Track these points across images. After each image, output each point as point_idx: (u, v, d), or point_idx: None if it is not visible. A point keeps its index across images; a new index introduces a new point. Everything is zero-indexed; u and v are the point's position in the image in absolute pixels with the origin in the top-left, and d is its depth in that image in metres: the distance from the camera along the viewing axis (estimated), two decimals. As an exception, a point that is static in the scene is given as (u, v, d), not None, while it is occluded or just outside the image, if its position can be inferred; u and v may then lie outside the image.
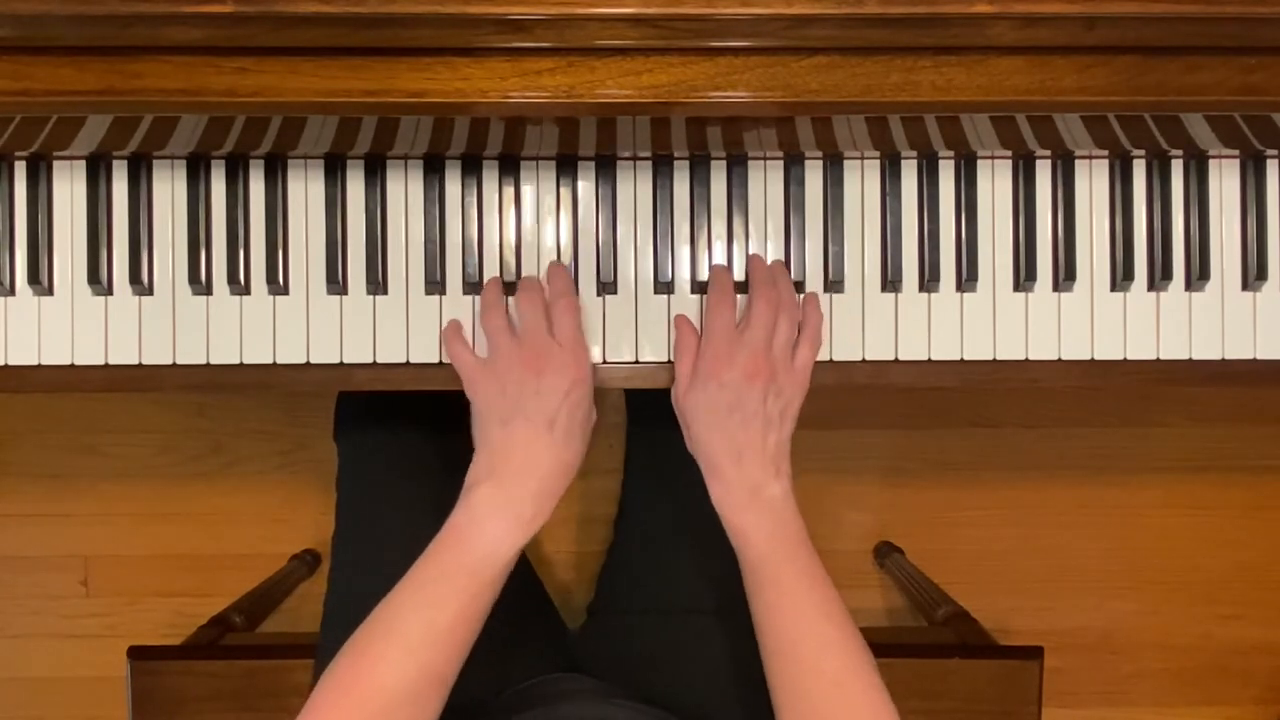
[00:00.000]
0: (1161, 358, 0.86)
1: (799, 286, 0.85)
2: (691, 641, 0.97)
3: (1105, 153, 0.85)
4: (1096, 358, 0.86)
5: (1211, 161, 0.85)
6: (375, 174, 0.84)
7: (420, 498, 1.02)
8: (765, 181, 0.86)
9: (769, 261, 0.84)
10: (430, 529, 1.01)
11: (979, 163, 0.85)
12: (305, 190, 0.85)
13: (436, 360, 0.85)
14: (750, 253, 0.85)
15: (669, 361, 0.85)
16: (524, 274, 0.85)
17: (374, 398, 1.05)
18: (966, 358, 0.86)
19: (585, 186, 0.86)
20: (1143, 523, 1.67)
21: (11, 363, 0.84)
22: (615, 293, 0.85)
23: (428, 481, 1.03)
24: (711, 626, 0.97)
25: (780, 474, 0.80)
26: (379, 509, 1.01)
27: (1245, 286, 0.86)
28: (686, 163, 0.85)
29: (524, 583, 1.09)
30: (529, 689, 0.95)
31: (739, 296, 0.83)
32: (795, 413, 0.82)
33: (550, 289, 0.82)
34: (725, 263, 0.85)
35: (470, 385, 0.80)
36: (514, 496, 0.77)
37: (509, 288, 0.84)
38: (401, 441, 1.04)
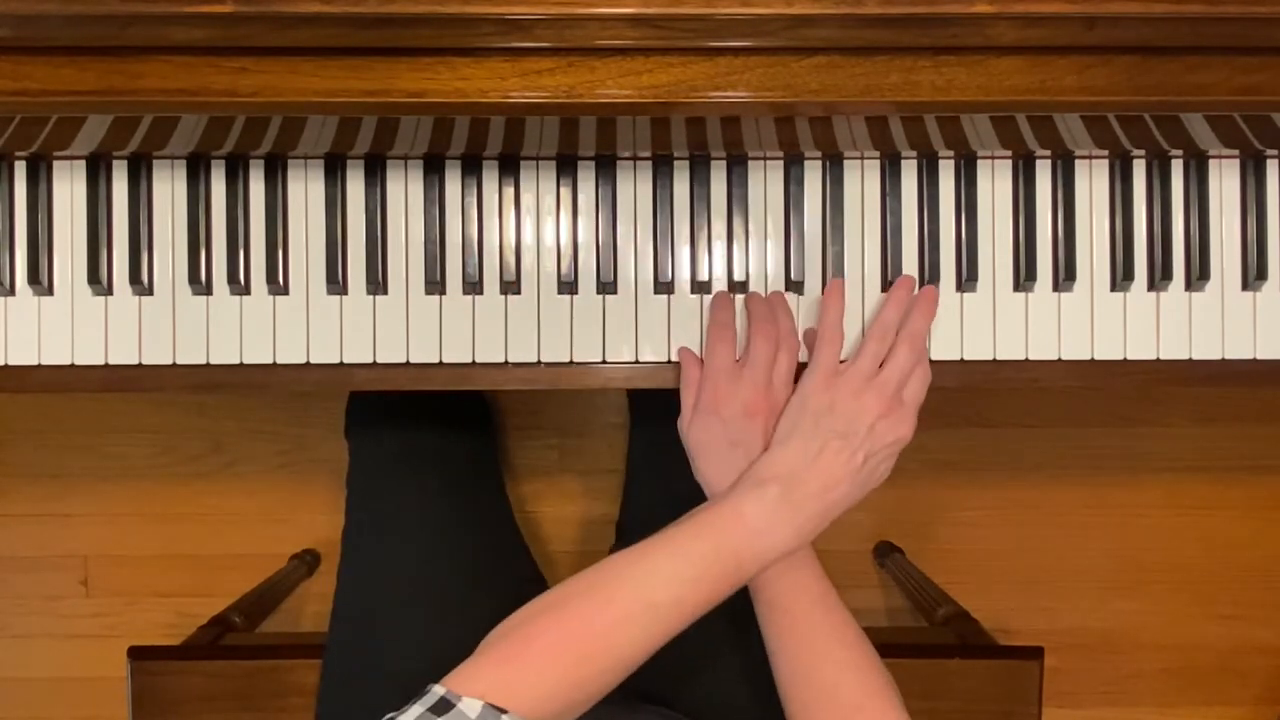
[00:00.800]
0: (1161, 358, 0.86)
1: (799, 287, 0.85)
2: (695, 642, 0.97)
3: (1105, 153, 0.85)
4: (1096, 358, 0.86)
5: (1211, 161, 0.85)
6: (375, 174, 0.84)
7: (431, 494, 1.03)
8: (765, 181, 0.86)
9: (768, 294, 0.85)
10: (441, 526, 1.02)
11: (979, 163, 0.85)
12: (305, 190, 0.85)
13: (437, 360, 0.85)
14: (749, 294, 0.85)
15: (669, 361, 0.85)
16: (523, 274, 0.85)
17: (385, 396, 1.05)
18: (966, 358, 0.86)
19: (585, 186, 0.86)
20: (1143, 523, 1.67)
21: (11, 363, 0.84)
22: (615, 293, 0.85)
23: (438, 478, 1.04)
24: (713, 626, 0.97)
25: None
26: (390, 506, 1.01)
27: (1245, 286, 0.86)
28: (686, 163, 0.85)
29: (529, 581, 1.09)
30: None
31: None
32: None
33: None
34: (725, 264, 0.85)
35: (819, 392, 0.79)
36: (802, 507, 0.76)
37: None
38: (412, 439, 1.04)
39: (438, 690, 0.62)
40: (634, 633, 0.70)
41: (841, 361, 0.81)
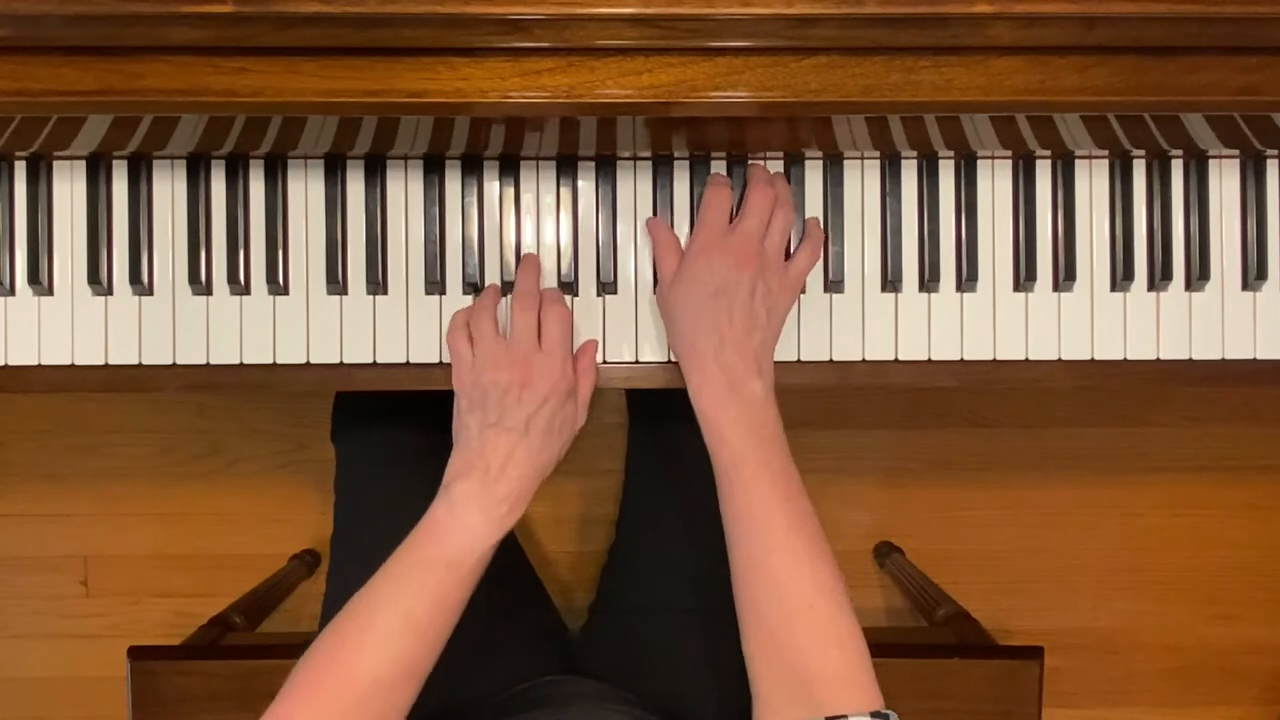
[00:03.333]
0: (1161, 358, 0.86)
1: (799, 286, 0.85)
2: (694, 641, 0.97)
3: (1105, 153, 0.85)
4: (1096, 358, 0.86)
5: (1211, 161, 0.85)
6: (375, 174, 0.84)
7: (419, 498, 1.02)
8: (765, 181, 0.85)
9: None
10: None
11: (979, 163, 0.85)
12: (305, 190, 0.85)
13: (437, 360, 0.85)
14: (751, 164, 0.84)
15: (669, 361, 0.85)
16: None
17: (371, 398, 1.05)
18: (966, 358, 0.86)
19: (585, 186, 0.86)
20: (1143, 523, 1.67)
21: (11, 363, 0.84)
22: (615, 293, 0.85)
23: (426, 481, 1.03)
24: (714, 626, 0.97)
25: (762, 373, 0.78)
26: (377, 510, 1.01)
27: (1245, 286, 0.86)
28: (686, 163, 0.85)
29: (524, 583, 1.09)
30: (528, 691, 0.95)
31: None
32: (783, 316, 0.81)
33: (544, 298, 0.82)
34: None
35: (458, 381, 0.81)
36: (492, 494, 0.77)
37: (508, 289, 0.84)
38: (399, 441, 1.04)
39: None
40: (380, 656, 0.72)
41: None
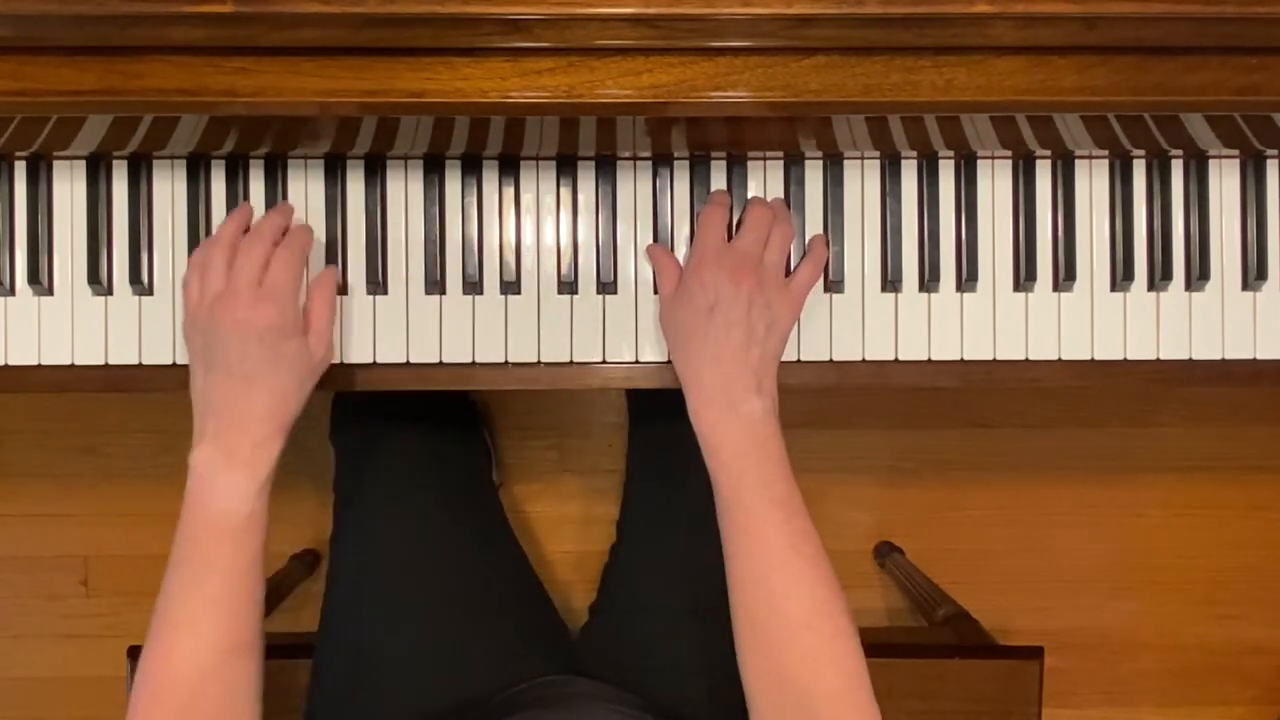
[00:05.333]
0: (1161, 358, 0.86)
1: (799, 286, 0.85)
2: (694, 641, 0.97)
3: (1105, 153, 0.85)
4: (1096, 358, 0.86)
5: (1211, 161, 0.85)
6: (375, 174, 0.84)
7: (417, 497, 1.02)
8: (765, 181, 0.86)
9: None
10: (427, 528, 1.01)
11: (979, 163, 0.85)
12: (305, 190, 0.85)
13: (436, 360, 0.85)
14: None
15: (669, 361, 0.85)
16: (523, 274, 0.85)
17: (369, 398, 1.05)
18: (966, 358, 0.86)
19: (585, 186, 0.86)
20: (1143, 523, 1.67)
21: (11, 363, 0.84)
22: (615, 293, 0.85)
23: (424, 481, 1.03)
24: (714, 626, 0.97)
25: (763, 391, 0.77)
26: (375, 509, 1.01)
27: (1245, 286, 0.86)
28: (686, 163, 0.85)
29: (524, 583, 1.09)
30: (526, 691, 0.95)
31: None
32: (785, 332, 0.80)
33: (284, 238, 0.80)
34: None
35: (184, 323, 0.79)
36: (232, 447, 0.75)
37: (508, 289, 0.83)
38: (397, 441, 1.04)
39: None
40: (192, 648, 0.72)
41: None
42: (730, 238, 0.82)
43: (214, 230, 0.83)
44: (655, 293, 0.85)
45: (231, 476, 0.75)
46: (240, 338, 0.75)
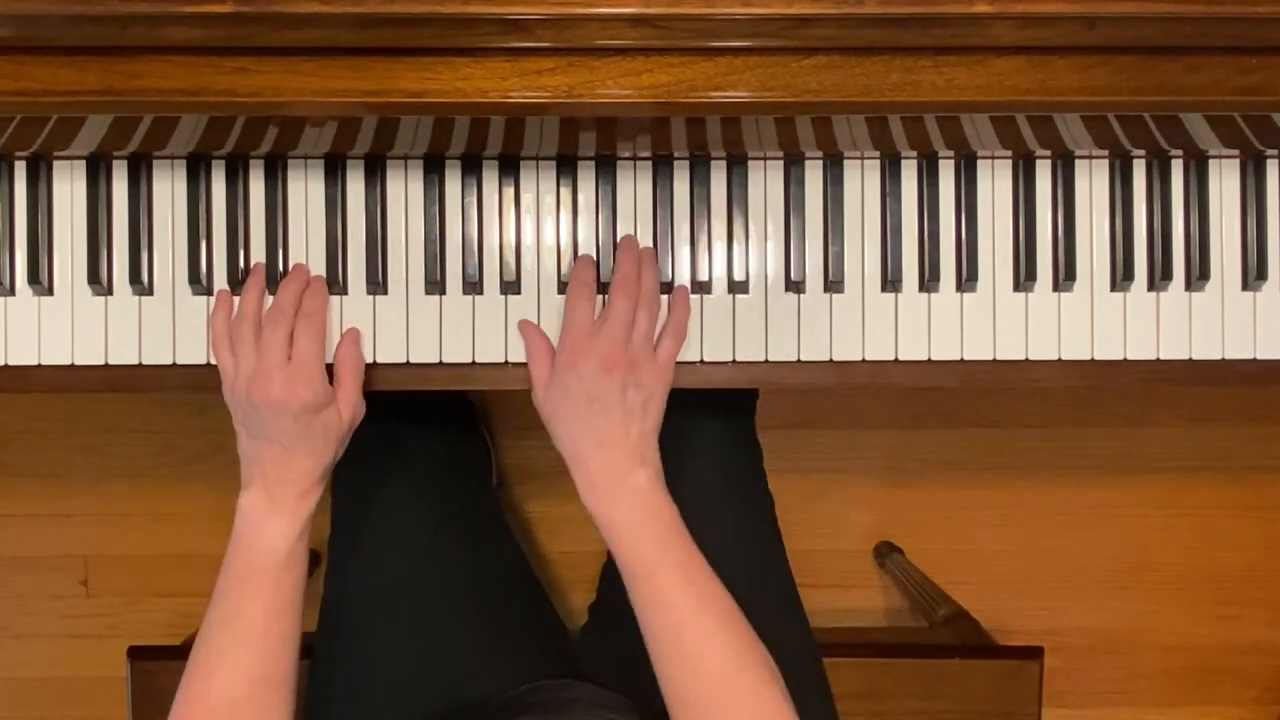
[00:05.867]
0: (1161, 358, 0.86)
1: (799, 287, 0.85)
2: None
3: (1105, 153, 0.85)
4: (1096, 358, 0.86)
5: (1211, 161, 0.85)
6: (375, 174, 0.84)
7: (415, 499, 1.02)
8: (765, 181, 0.86)
9: (640, 246, 0.84)
10: (426, 529, 1.01)
11: (979, 163, 0.85)
12: (305, 190, 0.85)
13: (436, 360, 0.85)
14: (622, 237, 0.84)
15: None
16: (523, 274, 0.85)
17: (368, 398, 1.05)
18: (966, 358, 0.86)
19: (585, 186, 0.86)
20: (1143, 523, 1.67)
21: (11, 363, 0.84)
22: (615, 293, 0.85)
23: (422, 482, 1.03)
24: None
25: (646, 463, 0.80)
26: (374, 511, 1.01)
27: (1245, 286, 0.86)
28: (686, 163, 0.85)
29: (524, 583, 1.09)
30: (526, 694, 0.94)
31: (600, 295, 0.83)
32: (660, 405, 0.82)
33: (303, 306, 0.82)
34: (725, 264, 0.85)
35: (225, 395, 0.82)
36: (277, 497, 0.80)
37: (507, 287, 0.83)
38: (396, 443, 1.04)
39: None
40: (230, 677, 0.77)
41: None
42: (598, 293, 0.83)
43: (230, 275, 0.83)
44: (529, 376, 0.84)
45: (277, 521, 0.80)
46: (276, 416, 0.79)
